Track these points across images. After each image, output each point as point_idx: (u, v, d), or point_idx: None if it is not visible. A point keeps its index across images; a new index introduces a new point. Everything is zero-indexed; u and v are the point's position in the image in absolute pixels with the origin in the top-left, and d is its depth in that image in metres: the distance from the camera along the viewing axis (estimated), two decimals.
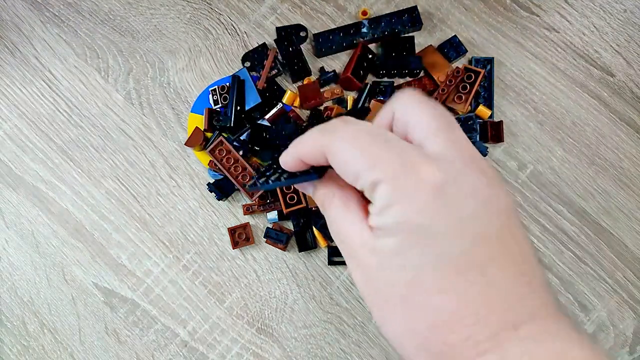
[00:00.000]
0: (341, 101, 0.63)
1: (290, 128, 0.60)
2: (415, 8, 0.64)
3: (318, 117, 0.63)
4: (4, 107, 0.66)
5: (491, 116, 0.62)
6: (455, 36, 0.64)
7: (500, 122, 0.62)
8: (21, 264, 0.63)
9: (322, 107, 0.64)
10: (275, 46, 0.64)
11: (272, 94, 0.64)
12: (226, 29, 0.67)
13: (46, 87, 0.66)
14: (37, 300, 0.62)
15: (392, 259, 0.23)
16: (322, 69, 0.64)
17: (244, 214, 0.62)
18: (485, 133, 0.62)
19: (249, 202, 0.62)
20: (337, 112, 0.61)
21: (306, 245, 0.60)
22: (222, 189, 0.61)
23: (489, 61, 0.63)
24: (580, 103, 0.64)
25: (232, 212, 0.63)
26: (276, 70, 0.64)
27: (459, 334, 0.21)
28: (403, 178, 0.22)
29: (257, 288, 0.61)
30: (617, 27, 0.65)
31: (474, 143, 0.62)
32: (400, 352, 0.24)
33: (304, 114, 0.64)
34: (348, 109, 0.63)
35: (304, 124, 0.63)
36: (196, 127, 0.63)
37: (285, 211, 0.58)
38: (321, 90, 0.64)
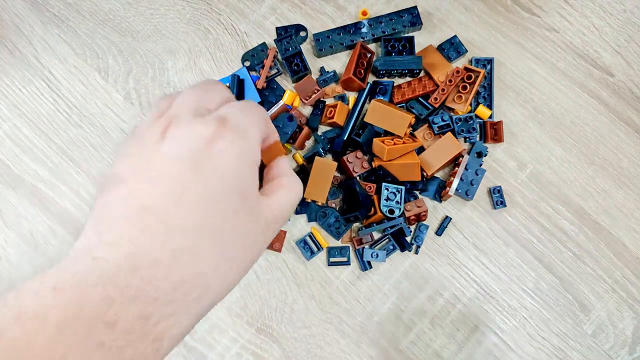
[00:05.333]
0: (342, 98, 0.63)
1: (293, 126, 0.60)
2: (415, 8, 0.64)
3: (323, 109, 0.62)
4: (3, 107, 0.66)
5: (491, 116, 0.62)
6: (455, 36, 0.64)
7: (500, 122, 0.62)
8: (20, 264, 0.63)
9: (325, 102, 0.63)
10: (275, 46, 0.64)
11: (271, 93, 0.64)
12: (226, 29, 0.67)
13: (46, 87, 0.66)
14: None
15: None
16: (322, 69, 0.65)
17: None
18: (485, 133, 0.62)
19: None
20: (341, 108, 0.61)
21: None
22: None
23: (489, 61, 0.63)
24: (580, 103, 0.64)
25: None
26: (276, 70, 0.64)
27: None
28: None
29: (257, 288, 0.61)
30: (617, 27, 0.65)
31: (473, 143, 0.62)
32: None
33: (305, 112, 0.64)
34: (350, 106, 0.63)
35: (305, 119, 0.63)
36: None
37: None
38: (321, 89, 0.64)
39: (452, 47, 0.64)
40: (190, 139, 0.26)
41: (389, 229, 0.58)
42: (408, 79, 0.64)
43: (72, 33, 0.67)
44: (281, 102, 0.63)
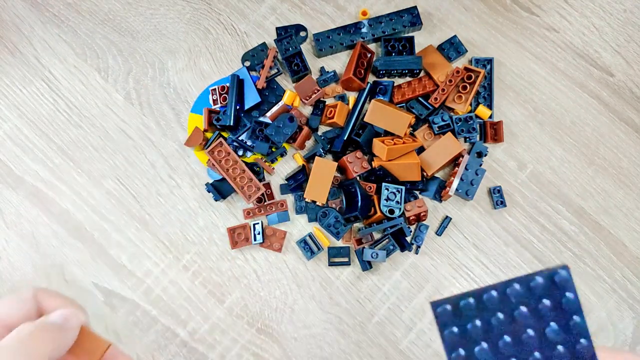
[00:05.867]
0: (343, 98, 0.63)
1: (293, 127, 0.60)
2: (415, 8, 0.64)
3: (323, 109, 0.62)
4: (4, 107, 0.66)
5: (491, 116, 0.62)
6: (455, 36, 0.64)
7: (500, 122, 0.62)
8: (21, 264, 0.63)
9: (325, 102, 0.63)
10: (275, 46, 0.64)
11: (271, 93, 0.64)
12: (226, 29, 0.67)
13: (46, 87, 0.66)
14: None
15: None
16: (322, 69, 0.65)
17: (245, 218, 0.62)
18: (485, 133, 0.62)
19: (248, 206, 0.62)
20: (341, 108, 0.61)
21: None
22: (220, 190, 0.61)
23: (489, 61, 0.63)
24: (580, 103, 0.64)
25: (232, 212, 0.63)
26: (276, 70, 0.64)
27: None
28: None
29: (257, 288, 0.61)
30: (617, 27, 0.65)
31: (473, 143, 0.62)
32: None
33: (305, 112, 0.64)
34: (350, 106, 0.63)
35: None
36: (196, 127, 0.63)
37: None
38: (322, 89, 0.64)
39: (452, 47, 0.64)
40: None
41: (389, 229, 0.58)
42: (408, 79, 0.64)
43: (72, 33, 0.67)
44: (281, 102, 0.64)
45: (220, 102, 0.63)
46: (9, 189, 0.64)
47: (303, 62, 0.63)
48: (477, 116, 0.62)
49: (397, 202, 0.58)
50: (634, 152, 0.63)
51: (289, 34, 0.63)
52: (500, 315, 0.22)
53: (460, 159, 0.60)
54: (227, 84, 0.63)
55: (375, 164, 0.59)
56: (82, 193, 0.64)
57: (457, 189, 0.59)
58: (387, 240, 0.60)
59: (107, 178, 0.64)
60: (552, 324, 0.22)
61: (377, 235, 0.61)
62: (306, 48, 0.66)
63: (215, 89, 0.63)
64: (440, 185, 0.62)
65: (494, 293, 0.22)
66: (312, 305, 0.61)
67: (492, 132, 0.62)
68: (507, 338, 0.22)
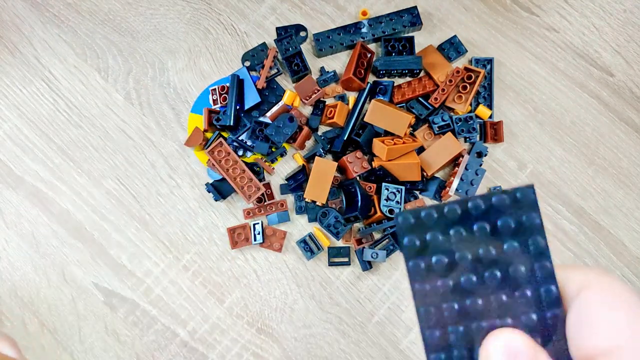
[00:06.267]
0: (343, 98, 0.64)
1: (293, 127, 0.60)
2: (415, 8, 0.64)
3: (323, 109, 0.62)
4: (4, 107, 0.66)
5: (491, 116, 0.62)
6: (455, 36, 0.64)
7: (500, 122, 0.62)
8: (21, 264, 0.63)
9: (325, 102, 0.63)
10: (275, 46, 0.64)
11: (271, 93, 0.64)
12: (226, 29, 0.67)
13: (46, 87, 0.66)
14: (37, 300, 0.62)
15: None
16: (322, 69, 0.65)
17: (245, 218, 0.62)
18: (485, 133, 0.62)
19: (248, 206, 0.62)
20: (341, 108, 0.61)
21: None
22: (220, 190, 0.61)
23: (489, 61, 0.63)
24: (580, 103, 0.64)
25: (232, 212, 0.63)
26: (276, 70, 0.64)
27: None
28: None
29: (257, 288, 0.61)
30: (617, 27, 0.65)
31: (473, 143, 0.62)
32: None
33: (305, 112, 0.64)
34: (350, 106, 0.63)
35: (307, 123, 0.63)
36: (196, 127, 0.63)
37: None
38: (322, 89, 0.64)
39: (452, 47, 0.64)
40: None
41: (389, 229, 0.58)
42: (408, 79, 0.64)
43: (72, 33, 0.67)
44: (281, 102, 0.64)
45: (220, 102, 0.63)
46: (9, 189, 0.64)
47: (303, 62, 0.63)
48: (477, 116, 0.62)
49: (397, 202, 0.58)
50: (634, 152, 0.63)
51: (289, 34, 0.63)
52: (460, 229, 0.22)
53: (460, 159, 0.60)
54: (227, 84, 0.63)
55: (375, 164, 0.59)
56: (82, 193, 0.64)
57: (457, 189, 0.59)
58: (387, 240, 0.60)
59: (107, 178, 0.64)
60: (512, 242, 0.22)
61: (377, 235, 0.61)
62: (306, 48, 0.66)
63: (215, 89, 0.63)
64: (440, 185, 0.62)
65: (456, 207, 0.22)
66: (312, 305, 0.61)
67: (492, 132, 0.62)
68: (465, 253, 0.22)
